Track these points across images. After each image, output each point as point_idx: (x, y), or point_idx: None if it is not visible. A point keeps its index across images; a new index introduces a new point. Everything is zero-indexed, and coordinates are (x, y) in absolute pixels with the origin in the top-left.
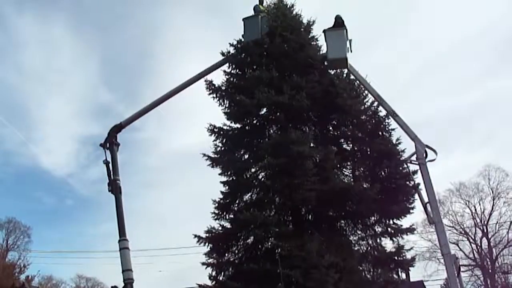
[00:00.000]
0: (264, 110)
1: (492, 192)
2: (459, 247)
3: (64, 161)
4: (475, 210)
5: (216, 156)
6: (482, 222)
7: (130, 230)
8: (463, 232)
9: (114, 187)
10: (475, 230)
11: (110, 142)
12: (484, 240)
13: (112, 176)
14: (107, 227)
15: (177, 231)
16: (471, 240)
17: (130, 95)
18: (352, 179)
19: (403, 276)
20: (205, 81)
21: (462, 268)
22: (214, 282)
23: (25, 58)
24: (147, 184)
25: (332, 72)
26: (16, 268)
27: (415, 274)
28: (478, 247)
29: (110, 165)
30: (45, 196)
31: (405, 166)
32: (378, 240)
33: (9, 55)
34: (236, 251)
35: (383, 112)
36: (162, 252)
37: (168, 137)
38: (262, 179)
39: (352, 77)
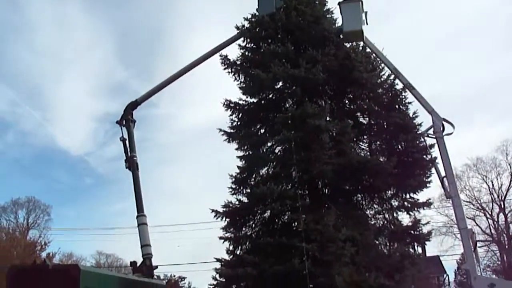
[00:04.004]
0: (280, 84)
1: (510, 167)
2: (475, 223)
3: (81, 140)
4: (492, 185)
5: (232, 131)
6: (499, 197)
7: (148, 206)
8: (480, 207)
9: (131, 164)
10: (492, 205)
11: (126, 119)
12: (501, 215)
13: (129, 152)
14: (125, 204)
15: (194, 206)
16: (488, 216)
17: (145, 72)
18: (368, 153)
19: (419, 250)
20: (220, 56)
21: (478, 244)
22: (231, 256)
23: (39, 37)
24: (164, 160)
25: (348, 45)
26: (37, 246)
27: (431, 249)
28: (495, 222)
29: (127, 142)
30: (64, 175)
31: (422, 139)
32: (395, 214)
33: (23, 35)
34: (253, 225)
35: (399, 85)
36: (180, 227)
37: (183, 113)
38: (279, 153)
39: (368, 50)
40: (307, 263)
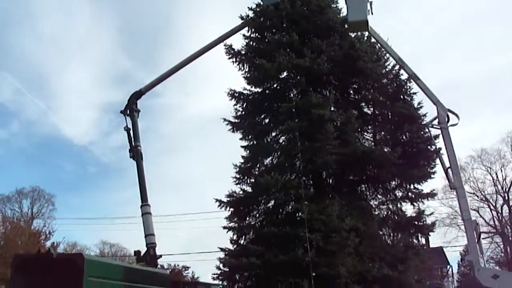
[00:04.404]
0: (285, 73)
1: None
2: (479, 214)
3: (85, 129)
4: (497, 177)
5: (236, 120)
6: (504, 189)
7: (151, 196)
8: (484, 199)
9: (135, 153)
10: (496, 197)
11: (131, 109)
12: (505, 207)
13: (133, 142)
14: (129, 193)
15: (198, 196)
16: (491, 207)
17: (149, 61)
18: (372, 143)
19: (423, 241)
20: (225, 45)
21: (482, 235)
22: (235, 246)
23: (43, 26)
24: (168, 150)
25: (353, 35)
26: (41, 235)
27: (434, 240)
28: (499, 214)
29: (131, 131)
30: (68, 164)
31: (427, 130)
32: (399, 205)
33: (27, 24)
34: (257, 215)
35: (404, 76)
36: (183, 217)
37: (188, 103)
38: (283, 143)
39: (373, 40)
40: (311, 253)
